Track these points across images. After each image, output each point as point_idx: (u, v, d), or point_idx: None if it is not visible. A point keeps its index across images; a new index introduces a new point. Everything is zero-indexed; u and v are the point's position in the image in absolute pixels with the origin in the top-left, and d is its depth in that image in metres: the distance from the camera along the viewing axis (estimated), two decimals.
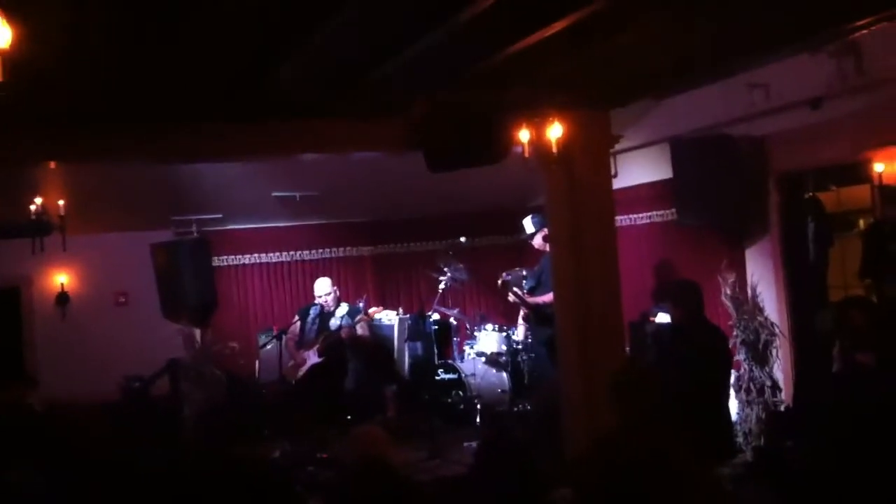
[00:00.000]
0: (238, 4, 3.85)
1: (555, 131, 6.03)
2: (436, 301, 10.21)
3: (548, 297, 8.39)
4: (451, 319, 10.47)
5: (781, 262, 7.61)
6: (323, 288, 9.52)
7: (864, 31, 5.24)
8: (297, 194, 9.80)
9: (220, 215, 10.13)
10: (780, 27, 5.00)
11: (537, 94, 5.96)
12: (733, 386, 7.30)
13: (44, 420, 4.39)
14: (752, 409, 7.44)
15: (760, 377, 7.44)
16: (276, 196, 9.82)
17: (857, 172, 7.01)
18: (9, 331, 9.89)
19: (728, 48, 5.39)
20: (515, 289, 9.31)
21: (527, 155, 6.13)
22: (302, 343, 9.46)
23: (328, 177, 9.22)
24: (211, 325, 9.92)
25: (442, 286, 10.10)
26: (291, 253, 10.87)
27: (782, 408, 7.35)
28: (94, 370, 9.18)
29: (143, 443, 6.23)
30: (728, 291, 7.62)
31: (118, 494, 3.67)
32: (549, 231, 7.50)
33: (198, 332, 9.68)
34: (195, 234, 9.95)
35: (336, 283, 9.96)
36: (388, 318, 10.24)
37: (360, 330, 9.47)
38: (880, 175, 6.55)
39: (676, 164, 7.77)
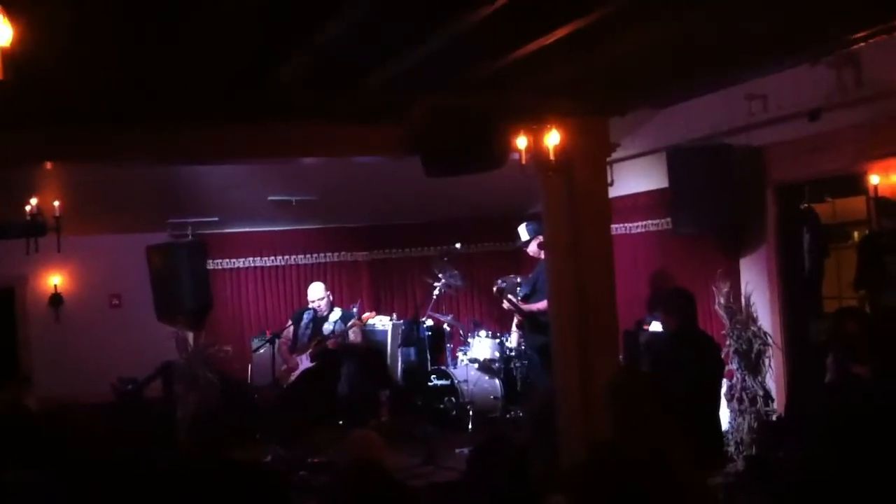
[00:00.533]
0: (238, 5, 3.85)
1: (553, 138, 6.04)
2: (430, 307, 10.21)
3: (542, 305, 8.40)
4: (445, 325, 10.48)
5: (776, 272, 7.63)
6: (316, 293, 9.52)
7: (863, 44, 5.25)
8: (294, 198, 9.80)
9: (216, 218, 10.12)
10: (780, 38, 5.01)
11: (536, 100, 5.96)
12: (725, 395, 7.32)
13: (40, 420, 4.38)
14: (743, 419, 7.45)
15: (753, 387, 7.46)
16: (272, 200, 9.82)
17: (853, 184, 7.03)
18: (3, 331, 9.86)
19: (727, 58, 5.40)
20: (510, 296, 9.31)
21: (524, 162, 6.13)
22: (295, 347, 9.46)
23: (324, 181, 9.22)
24: (205, 327, 9.90)
25: (436, 292, 10.11)
26: (286, 257, 10.86)
27: (774, 417, 7.36)
28: (88, 371, 9.17)
29: (137, 444, 6.22)
30: (722, 301, 7.64)
31: (113, 495, 3.66)
32: (544, 238, 7.49)
33: (191, 335, 9.68)
34: (191, 237, 9.94)
35: (331, 287, 9.97)
36: (382, 323, 10.24)
37: (353, 335, 9.48)
38: (876, 187, 6.57)
39: (673, 173, 7.78)
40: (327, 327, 9.44)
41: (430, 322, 10.29)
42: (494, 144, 6.08)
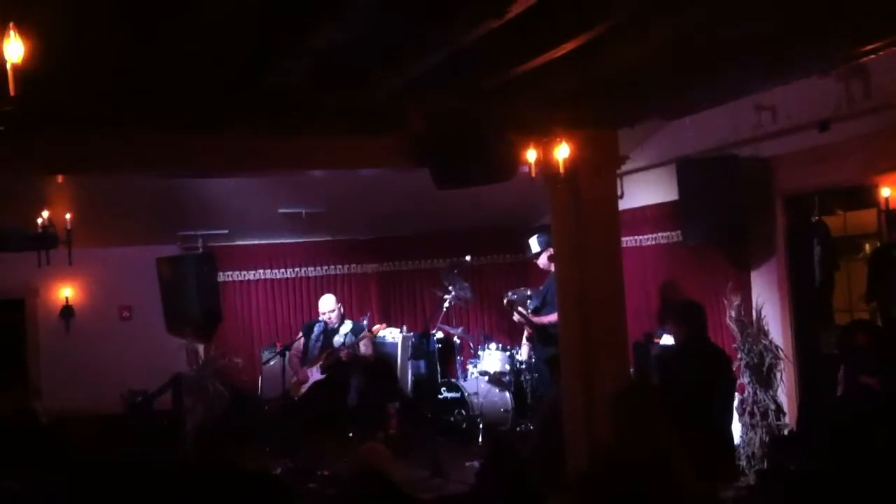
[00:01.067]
0: (243, 14, 3.87)
1: (562, 151, 6.04)
2: (440, 319, 10.20)
3: (553, 317, 8.39)
4: (455, 338, 10.46)
5: (787, 284, 7.59)
6: (327, 304, 9.52)
7: (872, 56, 5.25)
8: (304, 211, 9.81)
9: (226, 231, 10.14)
10: (790, 49, 5.01)
11: (545, 112, 5.97)
12: (737, 409, 7.27)
13: (47, 430, 4.39)
14: (755, 433, 7.41)
15: (764, 400, 7.42)
16: (281, 212, 9.84)
17: (864, 196, 7.00)
18: (13, 342, 9.89)
19: (736, 70, 5.40)
20: (520, 308, 9.30)
21: (533, 174, 6.14)
22: (305, 360, 9.45)
23: (334, 193, 9.23)
24: (215, 339, 9.92)
25: (446, 304, 10.10)
26: (296, 269, 10.87)
27: (786, 431, 7.32)
28: (98, 383, 9.19)
29: (145, 456, 6.22)
30: (733, 314, 7.61)
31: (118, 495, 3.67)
32: (554, 250, 7.49)
33: (202, 347, 9.69)
34: (201, 249, 9.97)
35: (340, 299, 9.96)
36: (392, 335, 10.23)
37: (364, 347, 9.47)
38: (887, 199, 6.55)
39: (682, 185, 7.77)
40: (338, 339, 9.44)
41: (440, 334, 10.28)
42: (504, 156, 6.09)
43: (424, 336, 9.81)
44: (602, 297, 6.51)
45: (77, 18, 3.71)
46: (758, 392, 7.45)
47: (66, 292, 10.03)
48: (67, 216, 7.98)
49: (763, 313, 7.55)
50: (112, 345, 9.83)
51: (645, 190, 8.88)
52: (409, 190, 8.44)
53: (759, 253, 7.77)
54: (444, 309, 10.12)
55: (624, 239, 7.77)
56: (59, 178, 7.12)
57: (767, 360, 7.45)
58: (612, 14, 4.09)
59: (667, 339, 7.90)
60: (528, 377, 9.56)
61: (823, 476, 5.06)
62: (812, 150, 6.90)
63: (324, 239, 10.84)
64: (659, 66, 5.04)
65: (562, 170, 6.05)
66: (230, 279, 10.51)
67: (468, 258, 10.31)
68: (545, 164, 6.15)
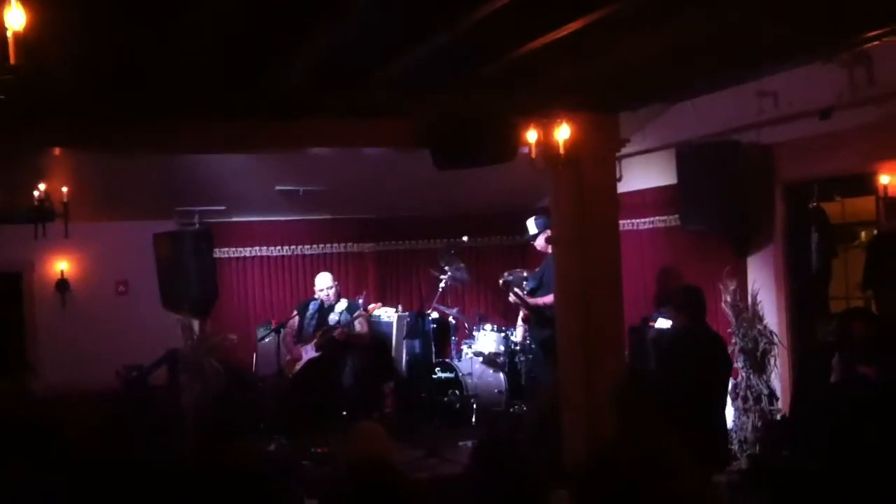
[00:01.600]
0: (243, 13, 3.85)
1: (563, 133, 6.02)
2: (435, 299, 10.20)
3: (549, 299, 8.40)
4: (451, 318, 10.47)
5: (784, 271, 7.60)
6: (324, 282, 9.52)
7: (876, 43, 5.22)
8: (301, 189, 9.79)
9: (223, 207, 10.12)
10: (793, 36, 4.99)
11: (546, 96, 5.94)
12: (730, 393, 7.30)
13: (41, 410, 4.38)
14: (748, 418, 7.44)
15: (758, 385, 7.45)
16: (279, 190, 9.82)
17: (863, 184, 7.00)
18: (10, 315, 9.88)
19: (739, 55, 5.38)
20: (516, 289, 9.31)
21: (533, 156, 6.12)
22: (300, 338, 9.46)
23: (332, 172, 9.21)
24: (210, 316, 9.91)
25: (442, 285, 10.11)
26: (293, 247, 10.86)
27: (779, 417, 7.35)
28: (94, 358, 9.18)
29: (141, 433, 6.23)
30: (728, 299, 7.62)
31: (114, 486, 3.66)
32: (552, 233, 7.49)
33: (197, 323, 9.68)
34: (198, 225, 9.94)
35: (337, 278, 9.96)
36: (388, 315, 10.23)
37: (359, 326, 9.48)
38: (885, 187, 6.54)
39: (682, 170, 7.76)
40: (333, 318, 9.45)
41: (435, 315, 10.29)
42: (503, 138, 6.07)
43: (420, 316, 9.82)
44: (600, 280, 6.51)
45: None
46: (751, 377, 7.48)
47: (61, 266, 10.02)
48: (64, 189, 7.96)
49: (759, 299, 7.56)
50: (107, 320, 9.83)
51: (644, 174, 8.87)
52: (407, 170, 8.42)
53: (758, 239, 7.77)
54: (440, 289, 10.13)
55: (622, 223, 7.76)
56: (56, 151, 7.08)
57: (762, 345, 7.47)
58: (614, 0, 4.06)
59: (662, 323, 7.92)
60: (522, 358, 9.58)
61: (815, 462, 5.09)
62: (813, 138, 6.89)
63: (321, 217, 10.82)
64: (661, 49, 5.02)
65: (562, 152, 6.04)
66: (226, 256, 10.50)
67: (465, 239, 10.30)
68: (545, 145, 6.13)
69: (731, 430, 7.29)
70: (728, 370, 6.52)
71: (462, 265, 10.20)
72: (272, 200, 10.07)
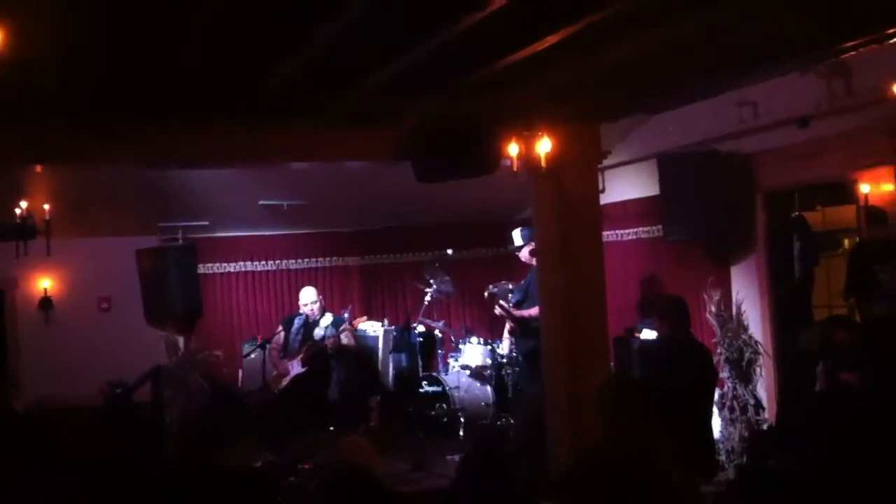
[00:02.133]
0: (229, 5, 3.84)
1: (544, 145, 6.04)
2: (421, 313, 10.19)
3: (534, 311, 8.39)
4: (437, 331, 10.46)
5: (767, 280, 7.63)
6: (308, 296, 9.49)
7: (854, 53, 5.27)
8: (285, 203, 9.77)
9: (206, 222, 10.09)
10: (772, 46, 5.02)
11: (527, 106, 5.96)
12: (717, 403, 7.31)
13: (26, 421, 4.36)
14: (735, 427, 7.46)
15: (744, 395, 7.47)
16: (263, 204, 9.79)
17: (844, 192, 7.05)
18: None
19: (718, 66, 5.41)
20: (502, 302, 9.31)
21: (515, 168, 6.13)
22: (286, 353, 9.42)
23: (316, 186, 9.20)
24: (195, 332, 9.86)
25: (428, 298, 10.09)
26: (277, 262, 10.83)
27: (765, 426, 7.36)
28: (77, 375, 9.10)
29: (124, 448, 6.18)
30: (713, 308, 7.64)
31: (98, 498, 3.64)
32: (536, 245, 7.50)
33: (181, 339, 9.63)
34: (181, 241, 9.90)
35: (322, 292, 9.93)
36: (373, 328, 10.21)
37: (345, 339, 9.45)
38: (866, 196, 6.59)
39: (664, 180, 7.79)
40: (318, 332, 9.42)
41: (421, 328, 10.27)
42: (485, 150, 6.08)
43: (406, 329, 9.80)
44: (583, 291, 6.52)
45: (68, 9, 3.67)
46: (737, 387, 7.49)
47: (44, 283, 9.95)
48: (46, 206, 7.92)
49: (743, 308, 7.59)
50: (91, 336, 9.76)
51: (626, 184, 8.90)
52: (390, 183, 8.41)
53: (740, 248, 7.80)
54: (426, 302, 10.11)
55: (605, 234, 7.80)
56: (38, 168, 7.05)
57: (747, 354, 7.49)
58: (595, 11, 4.08)
59: (647, 334, 7.93)
60: (509, 371, 9.57)
61: (802, 471, 5.09)
62: (793, 147, 6.94)
63: (305, 231, 10.80)
64: (641, 61, 5.04)
65: (543, 164, 6.05)
66: (211, 271, 10.47)
67: (450, 252, 10.30)
68: (527, 158, 6.14)
69: (718, 440, 7.29)
70: (713, 380, 6.52)
71: (447, 278, 10.19)
72: (256, 215, 10.05)
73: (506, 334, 9.71)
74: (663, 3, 4.12)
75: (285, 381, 9.26)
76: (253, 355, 9.43)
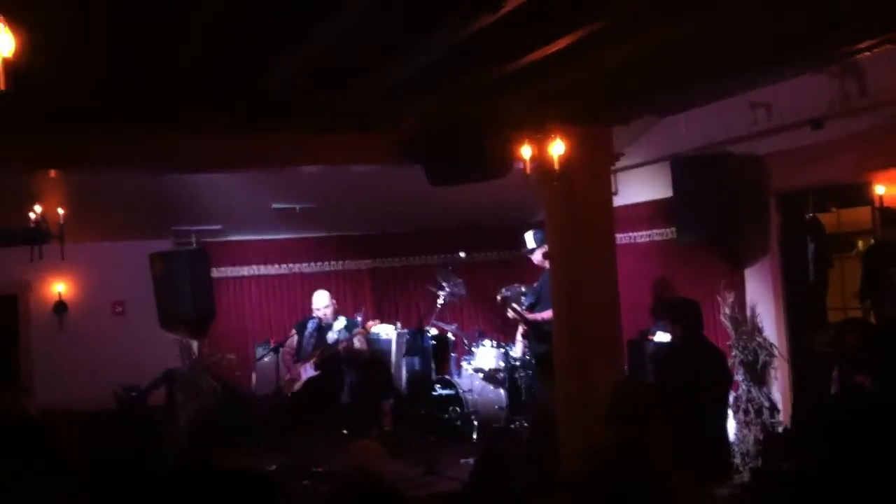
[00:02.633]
0: (233, 8, 3.85)
1: (556, 148, 6.02)
2: (434, 316, 10.18)
3: (547, 314, 8.38)
4: (449, 334, 10.45)
5: (781, 282, 7.59)
6: (321, 300, 9.50)
7: (867, 53, 5.23)
8: (297, 206, 9.79)
9: (219, 226, 10.12)
10: (784, 47, 5.00)
11: (539, 109, 5.95)
12: (731, 406, 7.28)
13: (38, 426, 4.38)
14: (749, 430, 7.41)
15: (758, 398, 7.43)
16: (275, 208, 9.81)
17: (858, 194, 7.01)
18: (6, 338, 9.86)
19: (731, 67, 5.39)
20: (514, 305, 9.29)
21: (528, 171, 6.12)
22: (299, 356, 9.44)
23: (328, 189, 9.21)
24: (208, 335, 9.90)
25: (440, 301, 10.09)
26: (290, 265, 10.86)
27: (780, 429, 7.32)
28: (91, 379, 9.16)
29: (137, 451, 6.21)
30: (727, 311, 7.61)
31: (101, 499, 3.65)
32: (548, 248, 7.47)
33: (195, 343, 9.66)
34: (194, 245, 9.94)
35: (334, 296, 9.94)
36: (386, 332, 10.21)
37: (358, 343, 9.46)
38: (881, 197, 6.55)
39: (676, 183, 7.77)
40: (331, 336, 9.43)
41: (434, 331, 10.27)
42: (498, 153, 6.07)
43: (418, 333, 9.81)
44: (596, 294, 6.49)
45: (69, 12, 3.68)
46: (752, 390, 7.46)
47: (59, 287, 10.01)
48: (60, 211, 7.95)
49: (757, 311, 7.55)
50: (105, 340, 9.81)
51: (639, 187, 8.88)
52: (403, 186, 8.41)
53: (754, 250, 7.76)
54: (439, 305, 10.11)
55: (618, 236, 7.76)
56: (52, 173, 7.08)
57: (761, 357, 7.46)
58: (607, 12, 4.07)
59: (661, 337, 7.90)
60: (522, 374, 9.55)
61: (817, 474, 5.07)
62: (806, 148, 6.90)
63: (318, 235, 10.82)
64: (653, 63, 5.03)
65: (556, 166, 6.03)
66: (224, 275, 10.50)
67: (462, 255, 10.29)
68: (539, 161, 6.12)
69: (733, 442, 7.26)
70: (727, 383, 6.50)
71: (460, 281, 10.18)
72: (268, 218, 10.07)
73: (519, 337, 9.70)
74: (674, 3, 4.10)
75: (298, 385, 9.27)
76: (266, 359, 9.46)
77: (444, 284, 10.07)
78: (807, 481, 5.25)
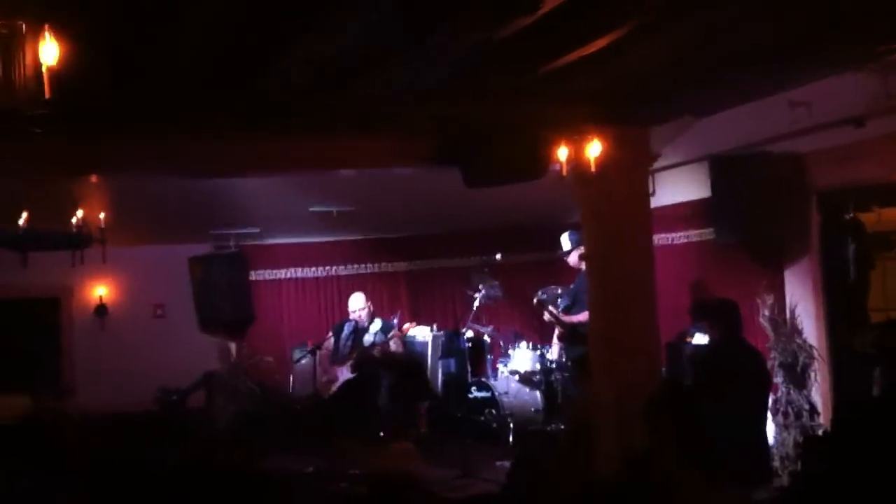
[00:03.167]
0: (265, 20, 3.89)
1: (594, 149, 6.00)
2: (470, 318, 10.18)
3: (583, 317, 8.34)
4: (485, 337, 10.44)
5: (821, 283, 7.49)
6: (357, 303, 9.54)
7: None
8: (335, 209, 9.84)
9: (257, 230, 10.20)
10: (825, 45, 4.95)
11: (576, 109, 5.94)
12: (770, 409, 7.19)
13: (78, 429, 4.43)
14: (789, 433, 7.32)
15: (798, 400, 7.33)
16: (313, 211, 9.87)
17: None
18: (48, 340, 10.02)
19: (771, 65, 5.34)
20: (551, 307, 9.26)
21: (564, 173, 6.10)
22: (336, 359, 9.49)
23: (365, 192, 9.25)
24: (246, 338, 9.98)
25: (476, 303, 10.08)
26: (327, 268, 10.91)
27: (820, 432, 7.22)
28: (132, 381, 9.27)
29: (175, 454, 6.27)
30: (766, 313, 7.52)
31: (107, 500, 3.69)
32: (585, 249, 7.45)
33: (233, 346, 9.75)
34: (233, 248, 10.03)
35: (370, 298, 9.98)
36: (422, 334, 10.23)
37: (394, 346, 9.48)
38: None
39: (715, 183, 7.69)
40: (367, 338, 9.46)
41: (470, 333, 10.26)
42: (535, 154, 6.07)
43: (454, 335, 9.82)
44: (633, 296, 6.46)
45: (108, 21, 3.74)
46: (791, 392, 7.36)
47: (100, 291, 10.15)
48: (101, 215, 8.05)
49: (797, 312, 7.46)
50: (145, 343, 9.93)
51: (676, 187, 8.80)
52: (439, 188, 8.43)
53: (793, 251, 7.67)
54: (475, 308, 10.10)
55: (656, 237, 7.71)
56: (93, 178, 7.18)
57: (801, 359, 7.36)
58: (642, 11, 4.06)
59: (700, 339, 7.83)
60: (558, 376, 9.51)
61: (858, 478, 4.99)
62: (847, 147, 6.80)
63: (354, 237, 10.87)
64: (690, 63, 5.00)
65: (593, 168, 6.01)
66: (262, 278, 10.58)
67: (498, 256, 10.28)
68: (576, 162, 6.11)
69: (772, 445, 7.18)
70: (767, 385, 6.42)
71: (496, 283, 10.17)
72: (306, 222, 10.13)
73: (555, 340, 9.67)
74: (710, 3, 4.08)
75: (335, 387, 9.32)
76: (303, 361, 9.51)
77: (480, 286, 10.06)
78: (847, 485, 5.18)
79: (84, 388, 9.30)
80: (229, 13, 3.83)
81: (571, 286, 9.34)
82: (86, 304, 10.16)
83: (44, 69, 3.01)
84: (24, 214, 7.52)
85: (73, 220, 7.90)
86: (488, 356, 10.41)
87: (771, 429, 7.20)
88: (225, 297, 9.49)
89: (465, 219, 10.38)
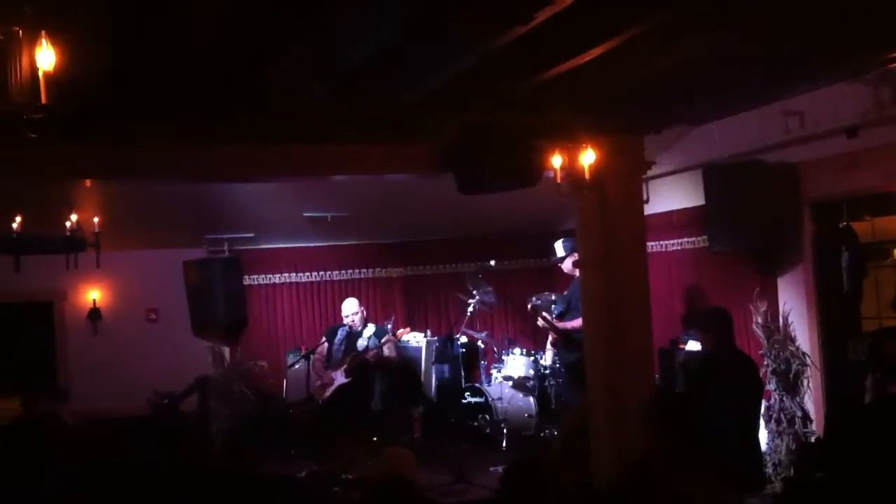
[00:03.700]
0: (269, 25, 3.90)
1: (588, 157, 6.01)
2: (464, 324, 10.20)
3: (577, 323, 8.36)
4: (479, 342, 10.46)
5: (814, 291, 7.52)
6: (350, 308, 9.56)
7: None
8: (329, 215, 9.85)
9: (252, 234, 10.21)
10: (818, 55, 4.97)
11: (571, 118, 5.95)
12: (763, 416, 7.22)
13: (71, 433, 4.44)
14: (782, 440, 7.35)
15: (791, 407, 7.36)
16: (307, 216, 9.88)
17: (893, 202, 6.93)
18: (42, 344, 10.01)
19: (764, 76, 5.37)
20: (545, 313, 9.28)
21: (559, 180, 6.11)
22: (329, 363, 9.49)
23: (359, 197, 9.26)
24: (240, 343, 9.98)
25: (470, 309, 10.10)
26: (321, 273, 10.91)
27: (813, 439, 7.25)
28: (125, 385, 9.27)
29: (169, 458, 6.27)
30: (759, 320, 7.55)
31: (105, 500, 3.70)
32: (579, 256, 7.45)
33: (227, 350, 9.75)
34: (227, 253, 10.03)
35: (365, 303, 9.99)
36: (416, 339, 10.24)
37: (388, 351, 9.49)
38: None
39: (709, 191, 7.73)
40: (361, 343, 9.47)
41: (464, 339, 10.28)
42: (529, 162, 6.07)
43: (448, 340, 9.82)
44: (627, 303, 6.47)
45: (104, 26, 3.74)
46: (784, 399, 7.39)
47: (93, 295, 10.15)
48: (95, 220, 8.05)
49: (790, 319, 7.49)
50: (139, 347, 9.93)
51: (671, 195, 8.83)
52: (433, 194, 8.44)
53: (787, 259, 7.70)
54: (469, 313, 10.12)
55: (650, 244, 7.74)
56: (88, 183, 7.18)
57: (794, 366, 7.39)
58: (637, 22, 4.08)
59: (692, 346, 7.85)
60: (552, 382, 9.54)
61: (850, 485, 5.01)
62: (840, 156, 6.84)
63: (348, 243, 10.88)
64: (685, 71, 5.02)
65: (587, 175, 6.03)
66: (256, 283, 10.58)
67: (492, 263, 10.30)
68: (570, 169, 6.12)
69: (765, 452, 7.21)
70: (760, 392, 6.45)
71: (490, 289, 10.19)
72: (300, 227, 10.14)
73: (549, 345, 9.69)
74: (705, 13, 4.10)
75: (329, 392, 9.32)
76: (297, 366, 9.51)
77: (474, 292, 10.08)
78: (840, 492, 5.20)
79: (77, 392, 9.30)
80: (225, 19, 3.84)
81: (565, 293, 9.36)
82: (79, 308, 10.15)
83: (40, 74, 3.03)
84: (18, 218, 7.53)
85: (68, 223, 7.90)
86: (482, 362, 10.42)
87: (764, 435, 7.22)
88: (220, 302, 9.49)
89: (459, 225, 10.40)
